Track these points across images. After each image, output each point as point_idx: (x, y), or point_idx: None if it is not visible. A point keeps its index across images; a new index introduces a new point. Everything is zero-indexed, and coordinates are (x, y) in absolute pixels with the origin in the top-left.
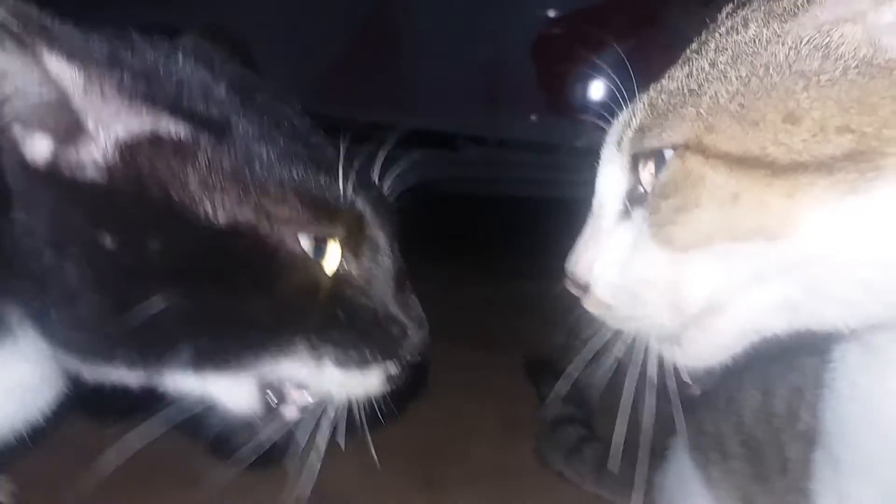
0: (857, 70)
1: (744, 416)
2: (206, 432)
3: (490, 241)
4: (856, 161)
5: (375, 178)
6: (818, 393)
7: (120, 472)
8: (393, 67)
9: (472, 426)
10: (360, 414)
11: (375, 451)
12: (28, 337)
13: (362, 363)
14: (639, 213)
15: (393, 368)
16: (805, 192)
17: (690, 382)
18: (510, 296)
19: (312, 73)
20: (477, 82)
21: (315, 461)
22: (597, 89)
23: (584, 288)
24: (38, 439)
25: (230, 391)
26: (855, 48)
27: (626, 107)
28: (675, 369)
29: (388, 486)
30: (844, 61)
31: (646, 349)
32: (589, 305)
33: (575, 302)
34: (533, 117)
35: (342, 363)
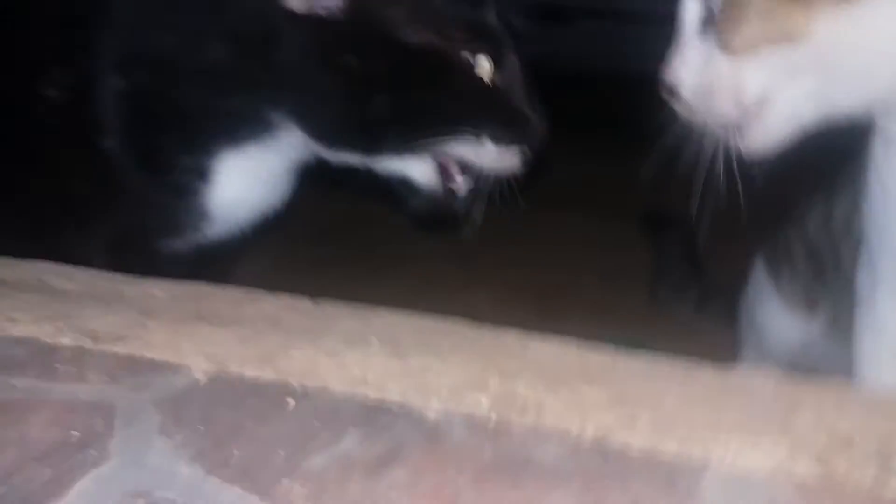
0: None
1: (808, 229)
2: (404, 205)
3: (608, 117)
4: None
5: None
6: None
7: None
8: None
9: (585, 273)
10: (503, 190)
11: (505, 288)
12: (283, 136)
13: (509, 142)
14: (709, 30)
15: (525, 149)
16: (814, 4)
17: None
18: (627, 169)
19: None
20: None
21: (477, 220)
22: None
23: (674, 91)
24: (278, 223)
25: (421, 170)
26: None
27: None
28: (741, 159)
29: (511, 314)
30: None
31: (718, 145)
32: (677, 105)
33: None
34: None
35: (496, 140)
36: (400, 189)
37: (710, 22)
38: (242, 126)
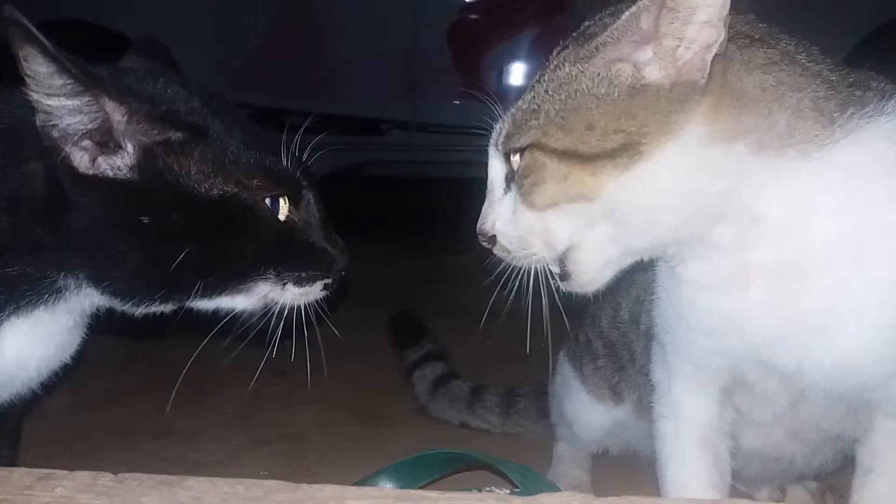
0: (626, 92)
1: (602, 326)
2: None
3: (419, 220)
4: (627, 150)
5: (303, 155)
6: (651, 299)
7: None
8: (314, 58)
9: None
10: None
11: (327, 400)
12: (74, 297)
13: (309, 281)
14: (514, 188)
15: (328, 281)
16: (601, 171)
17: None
18: (438, 269)
19: (234, 64)
20: (398, 69)
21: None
22: (509, 73)
23: (492, 240)
24: (67, 375)
25: (237, 301)
26: (624, 78)
27: (501, 117)
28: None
29: (337, 424)
30: (619, 87)
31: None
32: (496, 251)
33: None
34: (454, 101)
35: (297, 283)
36: (224, 317)
37: (514, 179)
38: (28, 293)
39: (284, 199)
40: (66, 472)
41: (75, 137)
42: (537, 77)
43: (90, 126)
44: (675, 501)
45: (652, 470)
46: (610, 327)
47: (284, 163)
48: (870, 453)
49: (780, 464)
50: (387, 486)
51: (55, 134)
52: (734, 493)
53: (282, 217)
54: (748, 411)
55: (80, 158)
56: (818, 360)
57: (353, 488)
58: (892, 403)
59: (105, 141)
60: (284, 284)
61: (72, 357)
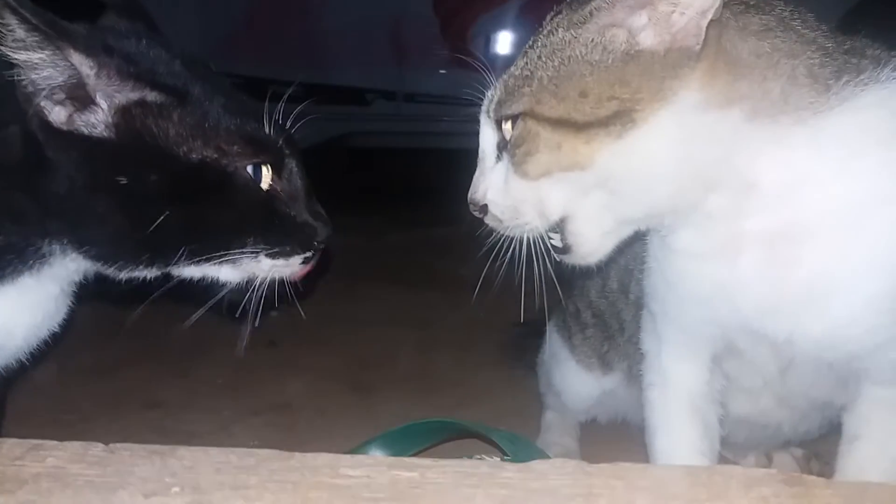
0: (620, 58)
1: (591, 296)
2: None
3: (406, 190)
4: (620, 117)
5: (287, 124)
6: (641, 269)
7: None
8: (300, 26)
9: (395, 345)
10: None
11: (317, 370)
12: (59, 262)
13: (285, 255)
14: (506, 156)
15: (308, 255)
16: (594, 139)
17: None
18: (426, 240)
19: (218, 33)
20: (384, 38)
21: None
22: (496, 41)
23: (483, 209)
24: (55, 345)
25: (223, 272)
26: (619, 44)
27: (492, 84)
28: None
29: (327, 394)
30: (613, 53)
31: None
32: (488, 220)
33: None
34: (441, 71)
35: (271, 256)
36: (209, 287)
37: (506, 149)
38: (13, 260)
39: (267, 168)
40: (56, 442)
41: (46, 91)
42: (530, 43)
43: (60, 80)
44: (665, 468)
45: (640, 438)
46: (599, 297)
47: (267, 130)
48: (856, 420)
49: (768, 430)
50: (378, 455)
51: (29, 87)
52: (720, 460)
53: (264, 186)
54: (737, 378)
55: (54, 112)
56: (809, 329)
57: (347, 456)
58: (880, 372)
59: (79, 95)
60: (258, 255)
61: (60, 326)
